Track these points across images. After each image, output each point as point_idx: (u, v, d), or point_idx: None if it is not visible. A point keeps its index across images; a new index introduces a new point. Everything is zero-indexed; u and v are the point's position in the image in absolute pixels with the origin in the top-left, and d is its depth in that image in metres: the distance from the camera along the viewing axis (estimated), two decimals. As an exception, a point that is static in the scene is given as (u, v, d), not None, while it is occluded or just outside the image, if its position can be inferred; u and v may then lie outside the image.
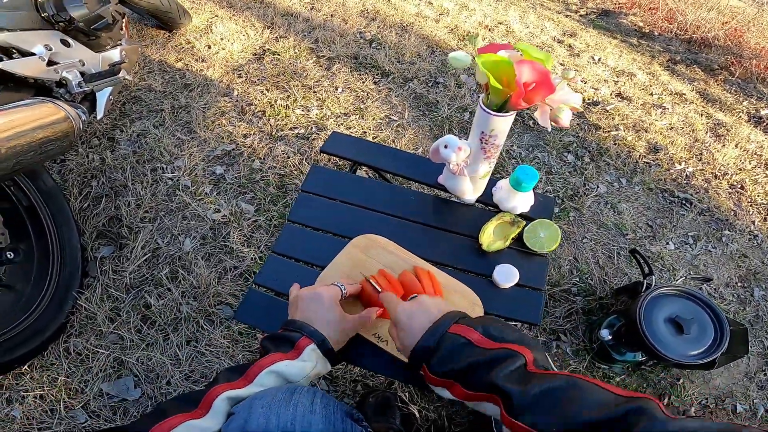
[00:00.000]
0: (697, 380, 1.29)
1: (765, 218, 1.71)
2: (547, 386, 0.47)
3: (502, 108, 0.69)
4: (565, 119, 0.60)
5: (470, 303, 0.79)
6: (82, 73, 1.26)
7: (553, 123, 0.62)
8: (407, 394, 1.15)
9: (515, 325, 0.62)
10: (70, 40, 1.21)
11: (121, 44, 1.42)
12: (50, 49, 1.12)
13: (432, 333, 0.56)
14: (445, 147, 0.78)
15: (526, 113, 1.94)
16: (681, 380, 1.28)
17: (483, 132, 0.72)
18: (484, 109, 0.69)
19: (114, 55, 1.37)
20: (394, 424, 1.04)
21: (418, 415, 1.12)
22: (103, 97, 1.37)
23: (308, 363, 0.62)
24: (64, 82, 1.20)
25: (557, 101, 0.61)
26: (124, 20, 1.40)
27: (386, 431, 1.02)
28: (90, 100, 1.36)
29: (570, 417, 0.44)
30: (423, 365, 0.58)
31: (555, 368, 0.53)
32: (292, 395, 0.52)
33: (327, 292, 0.69)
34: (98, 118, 1.40)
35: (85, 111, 1.29)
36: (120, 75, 1.35)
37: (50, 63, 1.13)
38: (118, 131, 1.68)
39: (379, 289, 0.72)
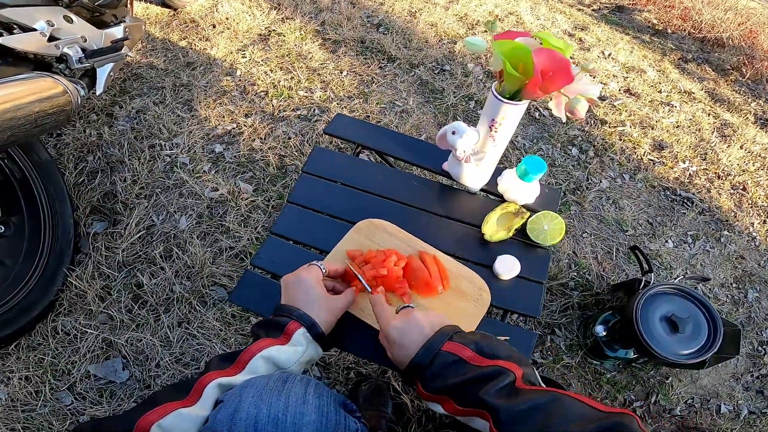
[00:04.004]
0: (685, 379, 1.30)
1: (764, 221, 1.71)
2: (532, 402, 0.48)
3: (514, 96, 0.67)
4: (582, 110, 0.58)
5: (477, 288, 0.78)
6: (84, 49, 1.22)
7: (568, 114, 0.60)
8: (400, 384, 1.14)
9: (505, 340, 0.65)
10: (73, 17, 1.17)
11: (124, 21, 1.38)
12: (52, 25, 1.09)
13: (426, 350, 0.57)
14: (453, 133, 0.76)
15: (533, 104, 1.92)
16: (669, 379, 1.28)
17: (493, 119, 0.71)
18: (496, 96, 0.67)
19: (117, 31, 1.34)
20: (385, 413, 1.04)
21: (410, 404, 1.12)
22: (103, 73, 1.33)
23: (299, 348, 0.61)
24: (64, 57, 1.17)
25: (574, 92, 0.59)
26: (129, -3, 1.37)
27: (378, 420, 1.01)
28: (90, 75, 1.33)
29: (552, 431, 0.46)
30: (417, 380, 0.58)
31: (542, 384, 0.55)
32: (284, 384, 0.51)
33: (307, 273, 0.68)
34: (98, 93, 1.37)
35: (84, 86, 1.27)
36: (122, 51, 1.31)
37: (52, 38, 1.10)
38: (117, 107, 1.65)
39: (369, 289, 0.71)
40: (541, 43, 0.59)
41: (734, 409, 1.27)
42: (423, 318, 0.61)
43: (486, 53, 0.60)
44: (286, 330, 0.61)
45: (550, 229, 0.85)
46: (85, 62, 1.21)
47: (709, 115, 2.08)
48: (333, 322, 0.67)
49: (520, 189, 0.87)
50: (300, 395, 0.50)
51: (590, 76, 0.59)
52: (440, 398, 0.56)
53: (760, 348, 1.39)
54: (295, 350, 0.61)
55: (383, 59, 2.03)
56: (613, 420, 0.44)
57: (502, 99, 0.66)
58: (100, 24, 1.29)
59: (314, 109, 1.76)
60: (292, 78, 1.86)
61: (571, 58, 0.55)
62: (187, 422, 0.50)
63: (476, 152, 0.79)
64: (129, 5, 1.40)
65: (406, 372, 0.58)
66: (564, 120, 0.64)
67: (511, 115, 0.69)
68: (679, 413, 1.24)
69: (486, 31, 0.62)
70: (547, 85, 0.58)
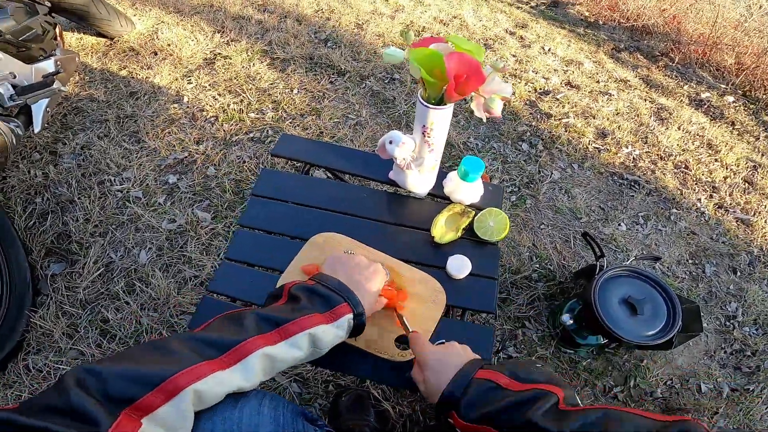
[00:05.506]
0: (660, 360, 1.31)
1: (711, 195, 1.80)
2: (584, 421, 0.47)
3: (442, 101, 0.70)
4: (497, 109, 0.61)
5: (433, 290, 0.80)
6: (14, 86, 1.20)
7: (486, 113, 0.63)
8: (380, 392, 1.15)
9: (538, 365, 0.66)
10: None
11: (55, 54, 1.36)
12: None
13: (459, 379, 0.56)
14: (390, 143, 0.78)
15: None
16: (644, 361, 1.29)
17: (424, 125, 0.73)
18: (422, 103, 0.69)
19: (48, 65, 1.31)
20: (369, 421, 1.04)
21: (392, 412, 1.12)
22: (39, 110, 1.31)
23: (340, 332, 0.59)
24: (-6, 96, 1.14)
25: (489, 92, 0.62)
26: (56, 30, 1.34)
27: (361, 429, 1.01)
28: (25, 113, 1.30)
29: None
30: (453, 412, 0.56)
31: (582, 404, 0.54)
32: (238, 399, 0.51)
33: (382, 271, 0.69)
34: (36, 131, 1.34)
35: (19, 125, 1.23)
36: (54, 86, 1.29)
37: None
38: (60, 144, 1.61)
39: (410, 329, 0.71)
40: (453, 48, 0.61)
41: (715, 388, 1.27)
42: (461, 349, 0.62)
43: (405, 63, 0.63)
44: (335, 310, 0.59)
45: (495, 225, 0.88)
46: (17, 99, 1.18)
47: (645, 100, 2.20)
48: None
49: (465, 190, 0.90)
50: (254, 408, 0.51)
51: (502, 74, 0.62)
52: (481, 428, 0.54)
53: (727, 323, 1.41)
54: (336, 334, 0.59)
55: (333, 73, 2.05)
56: (677, 428, 0.43)
57: (428, 105, 0.69)
58: (29, 59, 1.27)
59: (267, 131, 1.75)
60: (242, 101, 1.86)
61: (513, 56, 0.58)
62: (223, 388, 0.47)
63: (415, 159, 0.81)
64: (59, 38, 1.38)
65: (439, 403, 0.57)
66: (484, 120, 0.67)
67: (440, 119, 0.71)
68: (661, 395, 1.24)
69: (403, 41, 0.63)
70: (462, 88, 0.60)
